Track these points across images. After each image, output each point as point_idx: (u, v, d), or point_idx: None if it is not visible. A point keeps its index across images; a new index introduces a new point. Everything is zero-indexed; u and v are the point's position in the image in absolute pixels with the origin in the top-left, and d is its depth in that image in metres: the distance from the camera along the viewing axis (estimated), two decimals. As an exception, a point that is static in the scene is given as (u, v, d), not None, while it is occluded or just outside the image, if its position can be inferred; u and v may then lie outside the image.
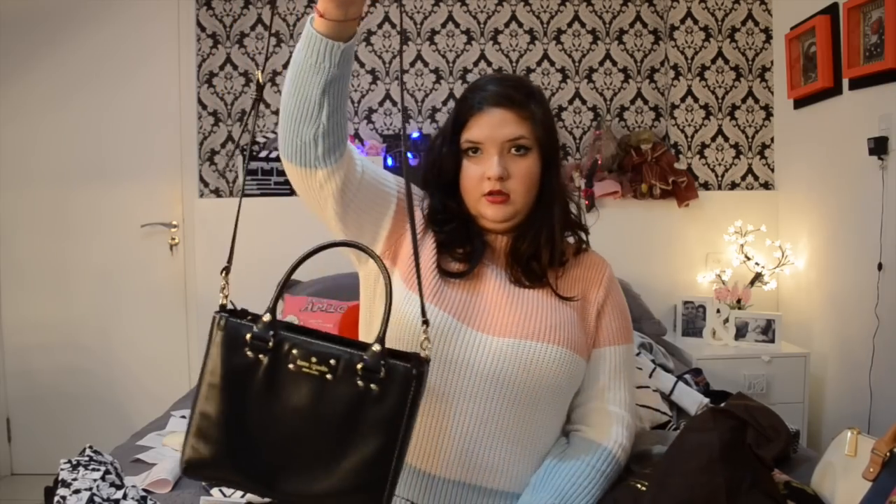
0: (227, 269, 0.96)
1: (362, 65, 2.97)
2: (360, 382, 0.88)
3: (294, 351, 0.89)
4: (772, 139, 2.99)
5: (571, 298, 1.17)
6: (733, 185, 2.99)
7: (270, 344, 0.89)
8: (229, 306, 0.94)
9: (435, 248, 1.17)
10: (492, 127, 1.13)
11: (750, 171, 2.99)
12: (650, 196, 2.82)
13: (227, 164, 2.97)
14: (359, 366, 0.88)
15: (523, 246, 1.18)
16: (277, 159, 2.91)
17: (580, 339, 1.16)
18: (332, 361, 0.88)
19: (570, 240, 1.25)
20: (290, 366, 0.88)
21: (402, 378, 0.88)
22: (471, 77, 2.98)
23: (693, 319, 2.74)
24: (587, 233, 1.25)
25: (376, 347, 0.89)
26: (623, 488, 1.08)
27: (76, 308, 2.99)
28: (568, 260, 1.21)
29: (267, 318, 0.90)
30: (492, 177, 1.12)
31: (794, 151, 2.84)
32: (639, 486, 1.05)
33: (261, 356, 0.89)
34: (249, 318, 0.92)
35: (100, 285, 2.99)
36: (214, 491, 1.38)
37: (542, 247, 1.17)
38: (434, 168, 1.19)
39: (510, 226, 1.18)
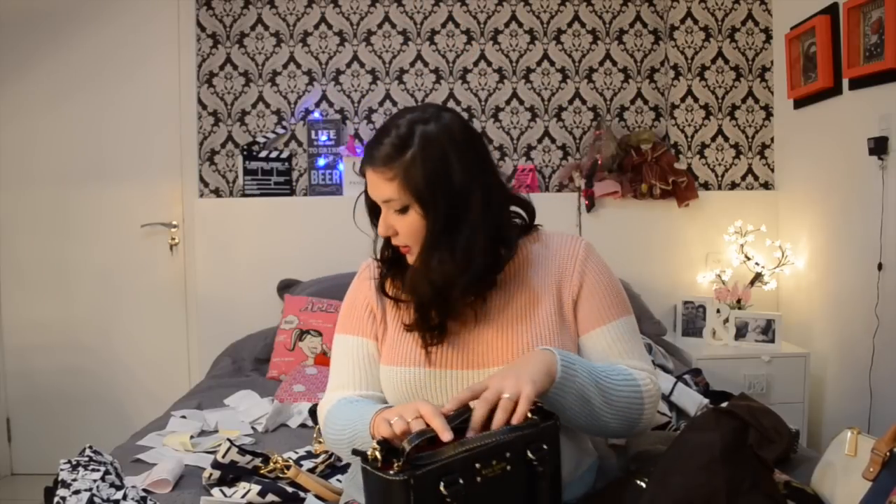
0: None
1: (362, 65, 2.97)
2: (530, 454, 0.94)
3: (477, 465, 0.90)
4: (772, 139, 2.99)
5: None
6: (733, 185, 2.99)
7: (461, 480, 0.88)
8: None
9: (394, 307, 1.20)
10: (370, 188, 1.12)
11: (750, 171, 2.99)
12: (650, 196, 2.82)
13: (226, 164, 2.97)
14: (530, 450, 0.94)
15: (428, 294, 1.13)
16: (277, 159, 2.91)
17: (564, 342, 1.15)
18: (508, 454, 0.92)
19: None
20: (479, 479, 0.90)
21: (552, 436, 0.97)
22: (470, 77, 2.98)
23: (693, 319, 2.74)
24: (509, 255, 1.15)
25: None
26: (623, 484, 1.08)
27: (76, 308, 2.99)
28: (494, 284, 1.15)
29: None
30: (380, 235, 1.15)
31: (794, 151, 2.84)
32: (639, 482, 1.05)
33: (454, 488, 0.88)
34: (390, 454, 0.89)
35: (100, 285, 2.99)
36: (215, 491, 1.38)
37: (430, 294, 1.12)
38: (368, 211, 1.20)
39: None
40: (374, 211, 1.18)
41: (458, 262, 1.09)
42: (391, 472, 0.85)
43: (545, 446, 0.94)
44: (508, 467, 0.91)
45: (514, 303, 1.16)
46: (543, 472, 0.94)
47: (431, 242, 1.09)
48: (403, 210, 1.09)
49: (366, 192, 1.16)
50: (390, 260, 1.20)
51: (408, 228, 1.10)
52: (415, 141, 1.08)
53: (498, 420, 0.94)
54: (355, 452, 0.92)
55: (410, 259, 1.14)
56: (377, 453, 0.88)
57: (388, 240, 1.18)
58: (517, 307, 1.16)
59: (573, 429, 1.12)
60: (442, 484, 0.86)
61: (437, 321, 1.13)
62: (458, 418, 0.95)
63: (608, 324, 1.17)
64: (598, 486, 1.18)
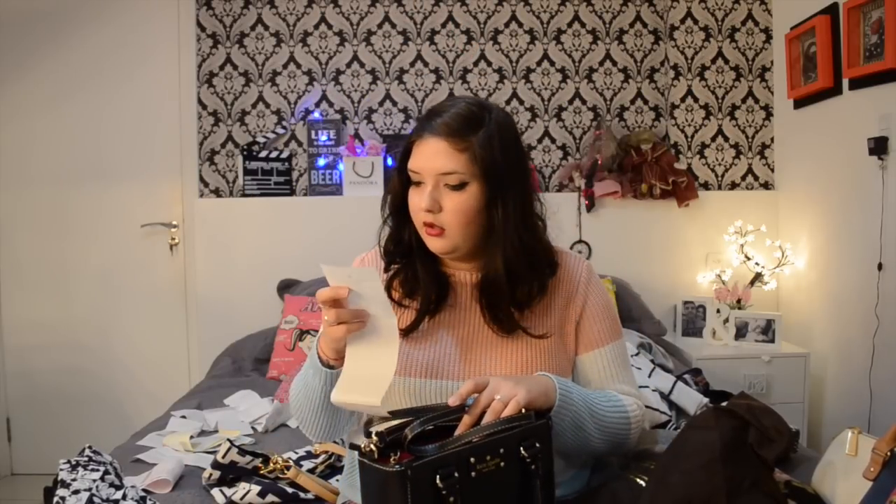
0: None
1: (362, 65, 2.97)
2: (523, 451, 0.94)
3: (472, 459, 0.90)
4: (772, 139, 2.99)
5: (544, 336, 1.13)
6: (733, 185, 2.99)
7: (456, 474, 0.88)
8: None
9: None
10: (427, 157, 1.07)
11: (750, 171, 2.99)
12: (650, 196, 2.82)
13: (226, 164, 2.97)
14: (523, 447, 0.94)
15: (492, 286, 1.11)
16: (277, 159, 2.91)
17: (560, 361, 1.15)
18: (502, 450, 0.92)
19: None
20: (473, 473, 0.90)
21: (544, 435, 0.96)
22: (471, 77, 2.98)
23: (693, 319, 2.74)
24: (554, 269, 1.17)
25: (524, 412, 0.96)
26: (622, 481, 1.08)
27: (76, 308, 2.99)
28: (532, 299, 1.14)
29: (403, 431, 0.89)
30: (422, 208, 1.08)
31: (794, 151, 2.84)
32: (638, 480, 1.05)
33: (450, 481, 0.88)
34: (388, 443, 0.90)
35: (100, 285, 2.98)
36: (215, 491, 1.38)
37: (504, 289, 1.11)
38: (388, 193, 1.17)
39: (462, 256, 1.14)
40: (399, 193, 1.13)
41: (541, 255, 1.13)
42: (388, 464, 0.85)
43: (538, 444, 0.95)
44: (502, 463, 0.92)
45: (512, 334, 1.14)
46: (536, 470, 0.94)
47: (508, 225, 1.08)
48: (460, 186, 1.07)
49: (399, 168, 1.13)
50: (394, 255, 1.17)
51: (458, 206, 1.07)
52: (490, 121, 1.08)
53: (486, 421, 0.94)
54: (352, 447, 0.92)
55: (437, 244, 1.10)
56: (373, 446, 0.88)
57: (394, 234, 1.16)
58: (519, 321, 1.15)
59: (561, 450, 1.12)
60: (438, 477, 0.86)
61: (489, 315, 1.12)
62: (450, 416, 0.95)
63: (604, 347, 1.19)
64: (594, 482, 1.18)
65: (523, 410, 0.96)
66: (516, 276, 1.10)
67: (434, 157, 1.06)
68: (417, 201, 1.09)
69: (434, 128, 1.07)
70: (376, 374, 0.99)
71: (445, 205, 1.07)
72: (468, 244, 1.11)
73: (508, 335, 1.13)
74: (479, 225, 1.09)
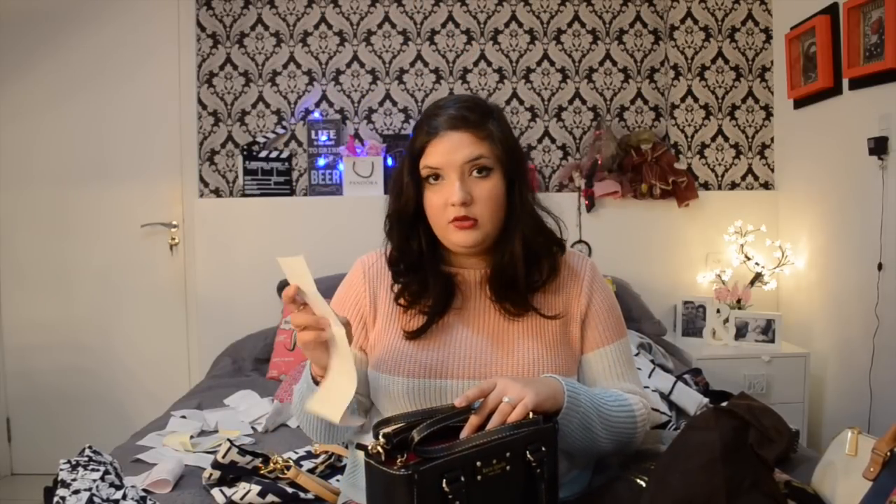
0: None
1: (362, 65, 2.97)
2: (529, 455, 0.93)
3: (478, 463, 0.90)
4: (772, 139, 2.99)
5: (556, 316, 1.15)
6: (733, 185, 2.99)
7: (462, 478, 0.88)
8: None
9: (395, 312, 1.16)
10: (449, 151, 1.08)
11: (750, 171, 2.99)
12: (650, 196, 2.82)
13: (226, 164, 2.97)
14: (529, 451, 0.93)
15: (506, 272, 1.13)
16: (277, 159, 2.91)
17: (567, 360, 1.15)
18: (508, 453, 0.92)
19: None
20: (479, 477, 0.89)
21: (550, 438, 0.96)
22: (471, 77, 2.98)
23: (693, 319, 2.74)
24: (563, 248, 1.20)
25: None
26: (623, 482, 1.07)
27: (76, 308, 2.99)
28: (544, 280, 1.16)
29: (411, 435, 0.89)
30: (455, 203, 1.07)
31: (794, 151, 2.84)
32: (638, 480, 1.05)
33: (456, 486, 0.88)
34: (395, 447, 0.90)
35: (100, 285, 2.98)
36: (215, 491, 1.38)
37: (520, 270, 1.12)
38: (396, 199, 1.15)
39: (479, 250, 1.14)
40: (414, 200, 1.13)
41: (550, 233, 1.16)
42: (395, 467, 0.85)
43: (543, 448, 0.94)
44: (508, 467, 0.92)
45: (523, 316, 1.15)
46: (542, 474, 0.94)
47: (525, 206, 1.13)
48: (487, 173, 1.09)
49: (411, 169, 1.12)
50: (399, 262, 1.17)
51: (489, 193, 1.09)
52: (496, 115, 1.13)
53: (493, 423, 0.94)
54: (359, 447, 0.92)
55: (469, 237, 1.09)
56: (380, 448, 0.88)
57: (402, 244, 1.16)
58: (525, 321, 1.15)
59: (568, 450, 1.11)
60: (444, 481, 0.86)
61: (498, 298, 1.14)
62: (457, 417, 0.95)
63: (609, 345, 1.19)
64: (596, 483, 1.18)
65: (531, 414, 0.95)
66: (533, 255, 1.14)
67: (458, 149, 1.08)
68: (441, 198, 1.09)
69: (450, 122, 1.09)
70: (339, 389, 0.97)
71: (476, 194, 1.09)
72: (495, 232, 1.13)
73: (519, 318, 1.14)
74: (504, 210, 1.12)
